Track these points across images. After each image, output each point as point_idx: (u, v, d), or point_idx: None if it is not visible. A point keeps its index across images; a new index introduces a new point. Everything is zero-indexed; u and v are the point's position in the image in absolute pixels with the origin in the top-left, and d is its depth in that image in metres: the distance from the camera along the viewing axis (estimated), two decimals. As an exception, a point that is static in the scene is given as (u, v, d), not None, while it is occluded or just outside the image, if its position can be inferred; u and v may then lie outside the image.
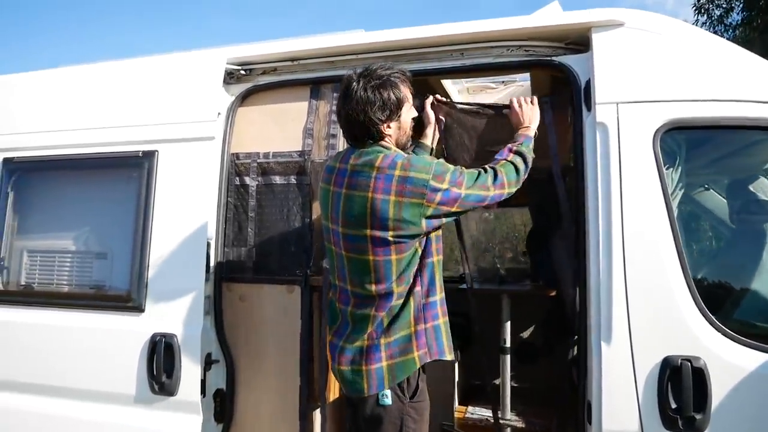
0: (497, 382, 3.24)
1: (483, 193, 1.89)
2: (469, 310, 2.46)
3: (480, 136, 2.28)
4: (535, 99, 2.18)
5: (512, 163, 1.97)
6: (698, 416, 1.77)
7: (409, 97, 1.96)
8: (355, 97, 1.86)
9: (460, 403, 3.38)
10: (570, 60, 2.15)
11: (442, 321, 1.92)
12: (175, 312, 2.28)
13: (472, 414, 3.26)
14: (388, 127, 1.91)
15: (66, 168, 2.56)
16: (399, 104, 1.90)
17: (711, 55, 2.00)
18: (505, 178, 1.93)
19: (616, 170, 1.94)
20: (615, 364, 1.87)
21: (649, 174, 1.91)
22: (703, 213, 2.20)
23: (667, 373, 1.80)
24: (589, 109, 2.04)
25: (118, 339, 2.32)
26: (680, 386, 1.78)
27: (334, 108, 2.36)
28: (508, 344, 3.16)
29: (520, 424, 3.11)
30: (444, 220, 1.89)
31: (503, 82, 3.43)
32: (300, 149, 2.38)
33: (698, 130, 2.00)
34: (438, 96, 2.34)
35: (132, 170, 2.39)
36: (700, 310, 1.83)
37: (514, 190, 1.97)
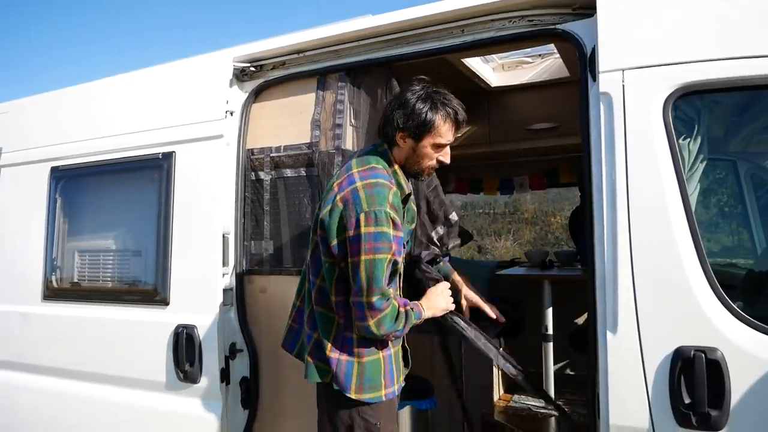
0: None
1: (362, 285, 1.70)
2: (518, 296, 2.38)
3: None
4: (449, 303, 2.01)
5: (398, 312, 1.77)
6: (714, 413, 1.58)
7: (442, 135, 1.84)
8: (400, 94, 1.89)
9: (505, 392, 3.29)
10: (576, 26, 1.98)
11: (356, 360, 1.79)
12: (195, 305, 2.40)
13: (515, 403, 3.16)
14: (402, 139, 1.86)
15: (99, 173, 2.76)
16: (422, 125, 1.81)
17: (733, 3, 1.74)
18: (382, 315, 1.72)
19: (621, 143, 1.76)
20: (621, 354, 1.71)
21: (659, 146, 1.71)
22: (726, 187, 1.94)
23: (679, 365, 1.62)
24: (594, 79, 1.87)
25: (149, 330, 2.49)
26: (693, 380, 1.60)
27: (340, 98, 2.37)
28: (550, 331, 3.02)
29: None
30: (341, 264, 1.77)
31: (540, 55, 3.24)
32: (309, 141, 2.40)
33: (720, 94, 1.76)
34: None
35: (154, 171, 2.54)
36: (717, 294, 1.62)
37: (374, 333, 1.74)
